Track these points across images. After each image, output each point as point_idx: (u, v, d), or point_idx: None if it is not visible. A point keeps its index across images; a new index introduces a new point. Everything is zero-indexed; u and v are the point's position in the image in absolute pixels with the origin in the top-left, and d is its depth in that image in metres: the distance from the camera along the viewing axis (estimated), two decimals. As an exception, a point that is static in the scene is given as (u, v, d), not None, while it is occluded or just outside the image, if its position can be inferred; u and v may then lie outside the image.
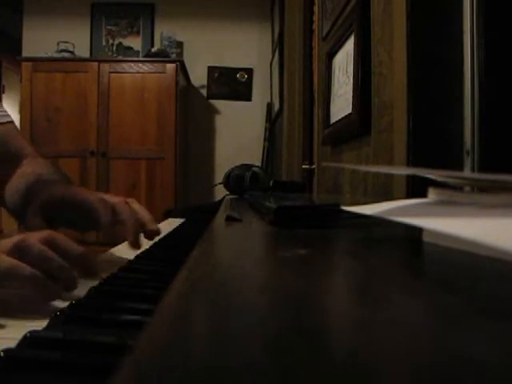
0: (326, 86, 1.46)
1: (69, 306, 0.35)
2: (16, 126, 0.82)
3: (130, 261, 0.59)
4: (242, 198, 1.14)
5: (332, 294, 0.20)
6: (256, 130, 3.58)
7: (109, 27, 3.62)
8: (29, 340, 0.27)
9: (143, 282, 0.45)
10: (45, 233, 0.42)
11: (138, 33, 3.63)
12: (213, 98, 3.67)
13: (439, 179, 0.34)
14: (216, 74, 3.65)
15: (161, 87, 3.09)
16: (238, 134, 3.60)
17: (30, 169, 0.73)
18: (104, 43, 3.61)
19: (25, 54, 3.39)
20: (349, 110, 1.18)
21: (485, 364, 0.11)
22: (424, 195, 0.33)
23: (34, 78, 3.05)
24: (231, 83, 3.65)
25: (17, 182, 0.71)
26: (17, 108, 3.18)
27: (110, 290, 0.41)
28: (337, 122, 1.33)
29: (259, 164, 3.25)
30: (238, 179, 1.34)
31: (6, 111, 0.82)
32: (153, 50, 3.23)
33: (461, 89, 0.75)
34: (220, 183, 1.45)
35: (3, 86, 4.26)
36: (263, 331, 0.14)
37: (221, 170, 2.99)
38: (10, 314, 0.35)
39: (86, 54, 3.51)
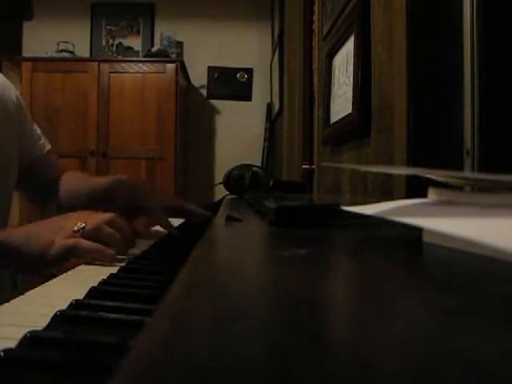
0: (326, 86, 1.46)
1: (69, 306, 0.35)
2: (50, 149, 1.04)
3: (130, 261, 0.59)
4: (241, 198, 1.14)
5: (332, 293, 0.20)
6: (256, 130, 3.57)
7: (109, 27, 3.61)
8: (29, 340, 0.27)
9: (143, 281, 0.45)
10: (108, 215, 0.62)
11: (138, 33, 3.63)
12: (213, 98, 3.66)
13: (439, 179, 0.34)
14: (216, 74, 3.65)
15: (161, 87, 3.09)
16: (238, 134, 3.60)
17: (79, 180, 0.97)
18: (104, 43, 3.60)
19: (25, 54, 3.39)
20: (349, 110, 1.18)
21: (484, 364, 0.11)
22: (424, 195, 0.33)
23: (33, 77, 3.05)
24: (231, 83, 3.64)
25: (75, 189, 0.94)
26: (17, 108, 3.17)
27: (110, 290, 0.41)
28: (337, 122, 1.33)
29: (259, 164, 3.25)
30: (238, 179, 1.34)
31: (44, 138, 1.03)
32: (153, 49, 3.23)
33: (461, 89, 0.75)
34: (220, 183, 1.45)
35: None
36: (263, 331, 0.14)
37: (221, 170, 2.98)
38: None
39: (86, 54, 3.50)
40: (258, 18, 3.60)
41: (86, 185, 0.93)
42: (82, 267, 0.57)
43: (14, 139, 0.91)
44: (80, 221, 0.60)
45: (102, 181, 0.92)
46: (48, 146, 1.02)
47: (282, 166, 2.76)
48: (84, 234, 0.59)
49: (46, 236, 0.59)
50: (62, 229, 0.60)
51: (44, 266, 0.60)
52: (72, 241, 0.58)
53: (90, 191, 0.91)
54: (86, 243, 0.58)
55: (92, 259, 0.58)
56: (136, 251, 0.65)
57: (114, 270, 0.52)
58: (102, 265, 0.57)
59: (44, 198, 0.98)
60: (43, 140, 1.02)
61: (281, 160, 2.86)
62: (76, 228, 0.59)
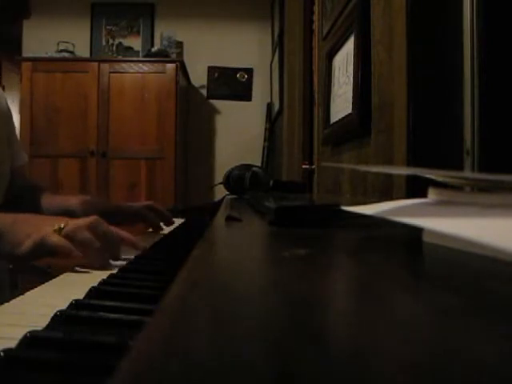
0: (326, 86, 1.46)
1: (69, 306, 0.35)
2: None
3: (130, 261, 0.59)
4: (241, 198, 1.14)
5: (332, 293, 0.20)
6: (256, 130, 3.57)
7: (109, 27, 3.61)
8: (29, 340, 0.27)
9: (143, 281, 0.45)
10: (91, 218, 0.60)
11: (138, 33, 3.63)
12: (213, 98, 3.66)
13: (439, 179, 0.34)
14: (216, 74, 3.65)
15: (161, 87, 3.09)
16: (238, 134, 3.60)
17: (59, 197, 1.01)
18: (104, 43, 3.60)
19: (25, 54, 3.39)
20: (349, 110, 1.18)
21: (484, 364, 0.11)
22: (424, 195, 0.33)
23: (34, 77, 3.05)
24: (231, 83, 3.64)
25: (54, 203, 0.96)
26: (17, 108, 3.17)
27: (110, 290, 0.41)
28: (337, 121, 1.33)
29: (259, 164, 3.25)
30: (238, 179, 1.34)
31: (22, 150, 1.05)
32: (153, 49, 3.23)
33: (461, 89, 0.75)
34: (220, 183, 1.45)
35: (3, 86, 4.26)
36: (263, 331, 0.14)
37: (221, 169, 2.98)
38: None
39: (86, 54, 3.50)
40: (258, 18, 3.60)
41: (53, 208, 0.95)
42: (82, 268, 0.57)
43: (6, 144, 0.94)
44: (64, 222, 0.59)
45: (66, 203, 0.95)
46: (26, 159, 1.06)
47: (282, 166, 2.76)
48: (62, 234, 0.58)
49: (27, 229, 0.59)
50: (43, 226, 0.60)
51: (17, 259, 0.60)
52: (43, 235, 0.57)
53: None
54: (54, 238, 0.57)
55: (62, 257, 0.57)
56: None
57: (114, 270, 0.52)
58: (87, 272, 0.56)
59: (16, 203, 0.99)
60: (22, 151, 1.06)
61: (281, 160, 2.86)
62: (56, 227, 0.58)
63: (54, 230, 0.58)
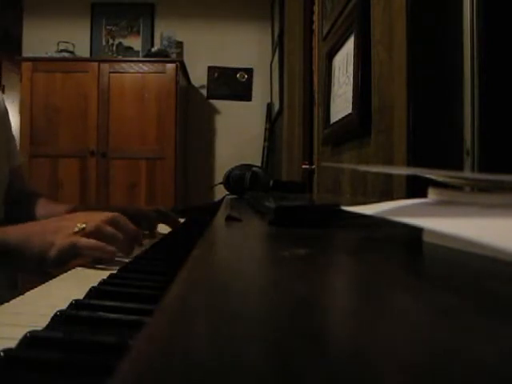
0: (326, 86, 1.46)
1: (69, 306, 0.35)
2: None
3: (129, 261, 0.59)
4: (241, 198, 1.14)
5: (332, 293, 0.20)
6: (256, 130, 3.57)
7: (109, 27, 3.61)
8: (29, 340, 0.27)
9: (143, 281, 0.45)
10: (109, 214, 0.62)
11: (138, 33, 3.63)
12: (213, 98, 3.66)
13: (439, 179, 0.34)
14: (216, 74, 3.65)
15: (161, 87, 3.09)
16: (238, 134, 3.60)
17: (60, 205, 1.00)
18: (104, 43, 3.60)
19: (25, 54, 3.39)
20: (349, 110, 1.18)
21: (484, 364, 0.11)
22: (424, 195, 0.33)
23: (34, 77, 3.05)
24: (231, 83, 3.64)
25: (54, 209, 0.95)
26: (17, 108, 3.17)
27: (110, 290, 0.41)
28: (337, 121, 1.33)
29: (259, 164, 3.25)
30: (238, 179, 1.34)
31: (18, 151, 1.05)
32: (153, 49, 3.23)
33: (461, 89, 0.75)
34: (220, 183, 1.45)
35: (3, 86, 4.26)
36: (263, 332, 0.14)
37: (221, 169, 2.98)
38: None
39: (86, 54, 3.50)
40: (258, 18, 3.60)
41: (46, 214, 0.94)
42: (82, 268, 0.57)
43: (4, 143, 0.95)
44: (80, 221, 0.59)
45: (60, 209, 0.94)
46: (22, 159, 1.08)
47: (282, 166, 2.76)
48: (84, 234, 0.57)
49: (45, 237, 0.58)
50: (62, 229, 0.59)
51: (45, 269, 0.59)
52: (70, 240, 0.57)
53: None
54: (84, 241, 0.56)
55: (93, 257, 0.57)
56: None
57: (114, 270, 0.52)
58: (104, 268, 0.56)
59: (15, 208, 0.99)
60: (18, 151, 1.07)
61: (281, 160, 2.86)
62: (76, 229, 0.58)
63: (76, 232, 0.58)
